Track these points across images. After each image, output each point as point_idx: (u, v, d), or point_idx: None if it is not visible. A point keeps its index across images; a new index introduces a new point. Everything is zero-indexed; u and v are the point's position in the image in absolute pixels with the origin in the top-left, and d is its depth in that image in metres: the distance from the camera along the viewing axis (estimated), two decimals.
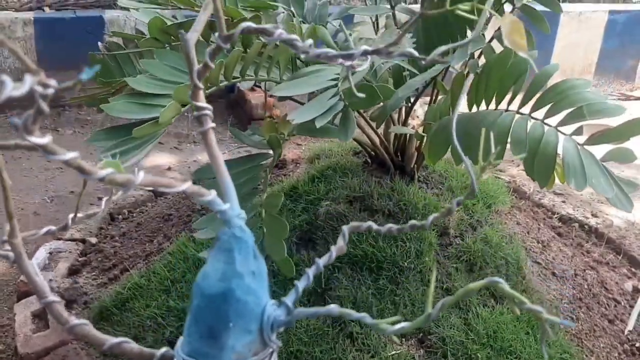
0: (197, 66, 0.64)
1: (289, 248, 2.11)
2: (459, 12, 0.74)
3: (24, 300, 2.38)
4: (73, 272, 2.54)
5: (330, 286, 2.04)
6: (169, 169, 3.81)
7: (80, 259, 2.62)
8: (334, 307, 0.55)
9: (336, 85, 1.59)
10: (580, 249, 2.79)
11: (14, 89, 0.41)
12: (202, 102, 0.64)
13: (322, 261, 0.62)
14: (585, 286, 2.41)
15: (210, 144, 0.63)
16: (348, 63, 0.61)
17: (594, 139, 1.52)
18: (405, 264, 2.06)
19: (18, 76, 4.58)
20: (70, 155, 0.48)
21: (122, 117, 1.61)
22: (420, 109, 2.54)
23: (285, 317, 0.56)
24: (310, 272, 0.60)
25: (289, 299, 0.57)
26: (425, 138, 1.96)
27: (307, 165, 2.59)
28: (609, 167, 1.53)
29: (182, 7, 2.06)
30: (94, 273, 2.51)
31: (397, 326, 0.53)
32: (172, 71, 1.67)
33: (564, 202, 3.39)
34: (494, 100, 1.68)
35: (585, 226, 3.09)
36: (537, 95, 1.62)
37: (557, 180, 2.24)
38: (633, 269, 2.78)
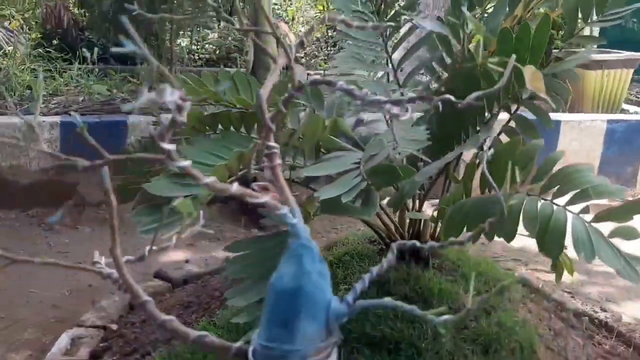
0: (268, 114, 0.77)
1: None
2: (472, 103, 0.89)
3: None
4: (95, 356, 2.60)
5: None
6: (187, 261, 3.91)
7: (101, 345, 2.68)
8: (388, 300, 0.66)
9: (358, 167, 1.73)
10: (591, 340, 2.85)
11: (170, 95, 0.54)
12: (272, 142, 0.77)
13: (375, 270, 0.73)
14: None
15: (278, 176, 0.75)
16: (396, 109, 0.74)
17: (600, 217, 1.64)
18: (423, 345, 2.12)
19: (43, 176, 4.78)
20: (185, 163, 0.60)
21: (163, 194, 1.74)
22: (428, 209, 2.67)
23: (346, 309, 0.66)
24: (366, 278, 0.71)
25: (349, 297, 0.67)
26: (440, 224, 2.08)
27: (325, 252, 2.70)
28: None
29: (238, 106, 2.20)
30: (115, 357, 2.57)
31: (443, 317, 0.64)
32: (208, 155, 1.81)
33: (572, 297, 3.48)
34: (506, 184, 1.81)
35: (595, 320, 3.15)
36: (545, 179, 1.75)
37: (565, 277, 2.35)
38: None
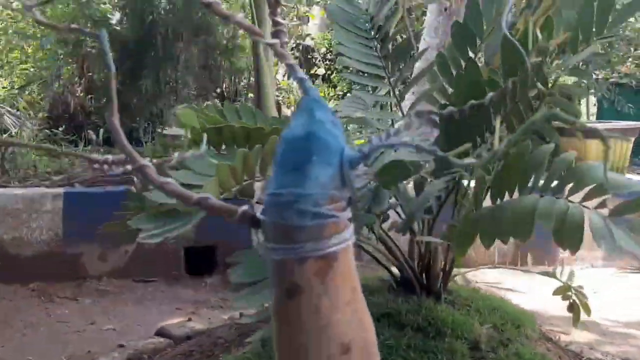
0: None
1: None
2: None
3: None
4: None
5: None
6: (190, 319, 3.80)
7: None
8: (410, 139, 0.61)
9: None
10: None
11: None
12: (279, 18, 0.73)
13: (393, 130, 0.68)
14: None
15: (284, 55, 0.71)
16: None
17: (618, 211, 1.59)
18: None
19: (45, 247, 4.72)
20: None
21: (164, 202, 1.69)
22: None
23: (361, 155, 0.61)
24: (384, 135, 0.65)
25: (363, 147, 0.62)
26: (450, 251, 2.02)
27: None
28: None
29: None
30: None
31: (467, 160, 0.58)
32: (210, 169, 1.77)
33: (591, 349, 3.36)
34: (517, 189, 1.77)
35: None
36: (558, 177, 1.71)
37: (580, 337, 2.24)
38: None
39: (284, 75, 10.71)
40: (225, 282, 5.03)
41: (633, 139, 6.84)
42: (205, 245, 4.95)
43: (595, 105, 9.67)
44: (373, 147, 0.63)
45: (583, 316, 4.26)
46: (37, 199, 4.80)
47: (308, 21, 12.27)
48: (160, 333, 3.32)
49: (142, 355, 3.01)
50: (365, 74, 2.51)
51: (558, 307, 2.95)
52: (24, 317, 4.25)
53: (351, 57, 2.52)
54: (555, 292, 2.66)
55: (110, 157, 0.72)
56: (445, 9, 5.24)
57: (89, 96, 8.29)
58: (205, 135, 1.60)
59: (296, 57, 10.73)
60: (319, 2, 12.16)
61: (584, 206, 1.62)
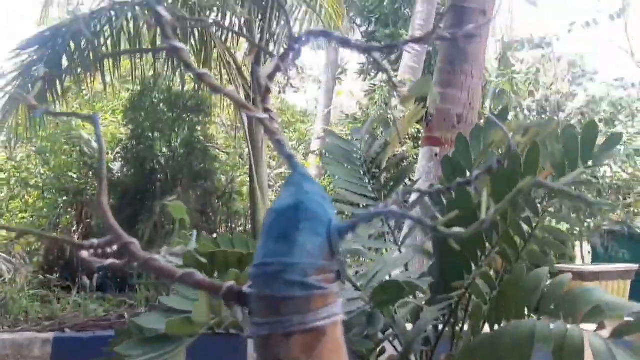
0: (266, 79, 0.77)
1: None
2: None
3: None
4: None
5: None
6: None
7: None
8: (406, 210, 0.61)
9: (359, 292, 1.67)
10: None
11: None
12: (269, 105, 0.76)
13: (382, 205, 0.68)
14: None
15: (272, 127, 0.73)
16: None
17: (618, 332, 1.55)
18: None
19: None
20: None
21: (153, 327, 1.66)
22: None
23: (350, 224, 0.61)
24: (374, 209, 0.66)
25: (353, 218, 0.62)
26: None
27: None
28: None
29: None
30: None
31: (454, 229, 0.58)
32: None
33: None
34: (514, 315, 1.74)
35: None
36: (555, 302, 1.68)
37: None
38: None
39: None
40: None
41: (629, 281, 6.87)
42: None
43: (589, 252, 9.74)
44: (361, 216, 0.63)
45: None
46: (25, 344, 4.67)
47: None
48: None
49: None
50: (360, 205, 2.55)
51: None
52: None
53: (346, 189, 2.57)
54: None
55: (95, 241, 0.72)
56: (436, 154, 5.40)
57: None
58: (195, 232, 1.59)
59: None
60: (315, 151, 12.54)
61: (582, 329, 1.58)
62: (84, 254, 0.75)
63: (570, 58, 15.54)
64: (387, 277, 1.67)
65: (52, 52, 7.49)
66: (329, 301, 0.64)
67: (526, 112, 12.18)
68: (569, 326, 1.59)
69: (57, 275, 7.55)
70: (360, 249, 2.34)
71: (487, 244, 1.88)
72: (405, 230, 2.56)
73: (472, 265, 1.90)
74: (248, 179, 7.33)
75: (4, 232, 9.14)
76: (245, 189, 8.53)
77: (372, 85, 13.63)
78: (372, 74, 15.15)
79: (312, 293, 0.61)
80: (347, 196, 2.53)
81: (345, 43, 0.75)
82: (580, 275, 6.64)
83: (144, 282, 6.04)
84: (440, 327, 2.08)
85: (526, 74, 14.64)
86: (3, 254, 7.64)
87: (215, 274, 1.98)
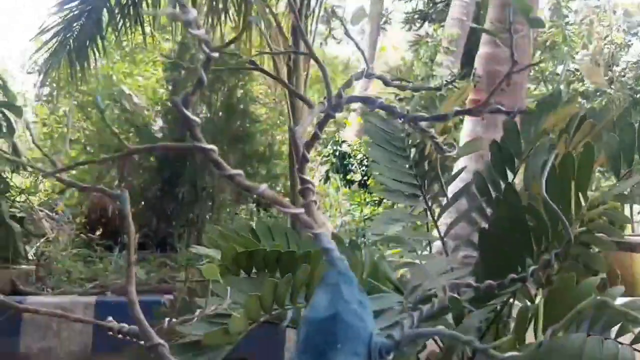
0: (303, 141, 0.71)
1: None
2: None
3: None
4: None
5: None
6: None
7: None
8: (443, 328, 0.54)
9: (401, 306, 1.61)
10: None
11: None
12: (307, 176, 0.70)
13: (425, 308, 0.61)
14: None
15: (313, 212, 0.67)
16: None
17: None
18: None
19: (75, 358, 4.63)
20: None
21: (194, 333, 1.64)
22: None
23: (393, 343, 0.54)
24: (415, 315, 0.59)
25: (395, 333, 0.56)
26: None
27: None
28: None
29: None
30: None
31: (508, 354, 0.52)
32: (242, 295, 1.72)
33: None
34: (563, 327, 1.66)
35: None
36: (605, 317, 1.60)
37: None
38: None
39: (320, 180, 10.80)
40: None
41: None
42: (238, 358, 4.80)
43: None
44: (405, 336, 0.57)
45: None
46: (68, 308, 4.76)
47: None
48: None
49: None
50: (400, 192, 2.47)
51: None
52: None
53: (386, 175, 2.49)
54: None
55: (125, 326, 0.67)
56: (483, 118, 5.25)
57: None
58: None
59: (333, 163, 10.84)
60: (355, 110, 12.40)
61: (634, 349, 1.50)
62: None
63: (626, 8, 14.95)
64: (430, 288, 1.61)
65: (92, 7, 7.49)
66: None
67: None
68: (619, 346, 1.51)
69: (99, 234, 7.68)
70: (401, 236, 2.28)
71: (538, 245, 1.80)
72: (448, 218, 2.48)
73: (521, 266, 1.82)
74: (288, 139, 7.28)
75: (47, 188, 9.32)
76: (285, 148, 8.49)
77: (417, 36, 13.30)
78: (418, 24, 14.78)
79: None
80: (387, 183, 2.45)
81: (389, 110, 0.67)
82: (631, 248, 6.41)
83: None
84: (484, 327, 2.02)
85: (579, 25, 14.16)
86: (47, 211, 7.78)
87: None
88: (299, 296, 1.72)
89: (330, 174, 10.56)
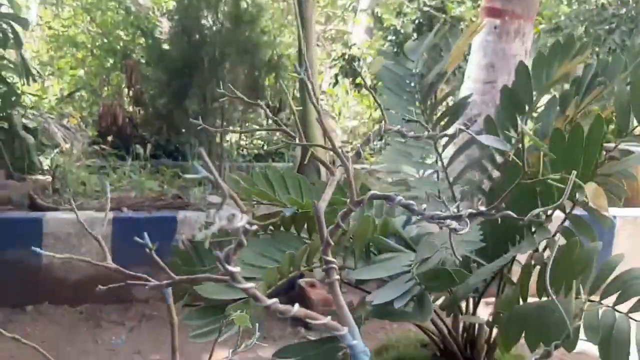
0: (326, 229, 0.76)
1: None
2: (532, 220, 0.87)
3: None
4: None
5: None
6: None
7: None
8: None
9: (410, 271, 1.69)
10: None
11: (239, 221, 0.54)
12: (330, 257, 0.76)
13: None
14: None
15: (337, 293, 0.74)
16: (454, 225, 0.72)
17: None
18: None
19: (93, 271, 4.84)
20: (247, 285, 0.59)
21: (213, 297, 1.73)
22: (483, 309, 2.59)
23: None
24: None
25: None
26: (495, 328, 2.02)
27: (375, 357, 2.62)
28: None
29: (261, 201, 2.26)
30: None
31: None
32: (259, 257, 1.81)
33: None
34: (562, 289, 1.75)
35: None
36: (605, 284, 1.69)
37: None
38: None
39: (329, 84, 10.75)
40: (274, 316, 5.08)
41: None
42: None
43: None
44: None
45: None
46: (87, 223, 4.90)
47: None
48: None
49: None
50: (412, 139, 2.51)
51: None
52: (73, 343, 4.37)
53: (398, 121, 2.52)
54: None
55: None
56: (495, 27, 5.16)
57: (137, 108, 8.45)
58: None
59: (341, 67, 10.74)
60: (366, 9, 12.13)
61: (630, 318, 1.60)
62: None
63: None
64: (439, 258, 1.68)
65: None
66: None
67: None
68: (617, 314, 1.60)
69: (111, 142, 7.77)
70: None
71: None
72: (456, 164, 2.53)
73: (525, 230, 1.89)
74: (297, 52, 7.21)
75: (56, 92, 9.35)
76: (292, 50, 8.43)
77: None
78: None
79: None
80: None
81: (408, 208, 0.72)
82: None
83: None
84: (489, 278, 2.12)
85: None
86: (58, 120, 7.84)
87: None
88: (313, 259, 1.81)
89: (339, 78, 10.48)
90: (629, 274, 1.68)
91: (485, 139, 0.97)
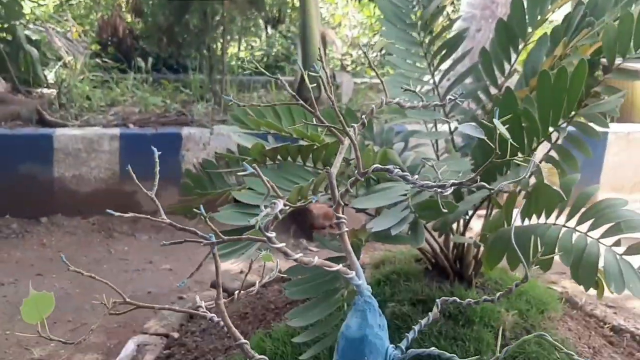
0: (337, 191, 0.94)
1: None
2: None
3: None
4: None
5: None
6: (241, 272, 4.11)
7: (164, 352, 2.89)
8: (433, 349, 0.82)
9: (406, 200, 1.89)
10: (631, 357, 2.94)
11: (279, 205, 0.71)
12: (342, 214, 0.94)
13: (424, 321, 0.89)
14: None
15: (346, 241, 0.92)
16: (440, 191, 0.90)
17: (632, 250, 1.77)
18: None
19: (103, 185, 5.05)
20: (285, 249, 0.77)
21: (229, 223, 1.93)
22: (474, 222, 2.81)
23: (401, 355, 0.83)
24: (417, 327, 0.87)
25: (402, 344, 0.84)
26: (482, 247, 2.24)
27: (372, 270, 2.86)
28: None
29: (271, 131, 2.43)
30: None
31: None
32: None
33: (615, 313, 3.53)
34: (543, 214, 1.95)
35: (637, 337, 3.20)
36: (580, 212, 1.88)
37: (607, 293, 2.45)
38: None
39: None
40: (277, 229, 5.33)
41: None
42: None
43: None
44: (409, 343, 0.84)
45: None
46: (95, 139, 5.11)
47: None
48: (214, 285, 3.64)
49: (199, 308, 3.35)
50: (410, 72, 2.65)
51: None
52: (87, 252, 4.64)
53: (398, 55, 2.65)
54: None
55: None
56: None
57: (137, 19, 8.44)
58: None
59: None
60: None
61: (600, 243, 1.80)
62: None
63: None
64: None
65: None
66: None
67: None
68: (589, 239, 1.80)
69: (112, 54, 7.83)
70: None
71: (530, 141, 2.04)
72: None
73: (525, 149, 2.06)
74: None
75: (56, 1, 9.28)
76: None
77: None
78: None
79: None
80: (398, 63, 2.62)
81: (404, 179, 0.88)
82: (633, 74, 6.61)
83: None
84: (478, 202, 2.32)
85: None
86: (59, 30, 7.85)
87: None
88: (318, 189, 2.00)
89: None
90: (602, 203, 1.87)
91: (464, 127, 1.11)
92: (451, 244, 2.55)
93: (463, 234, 2.49)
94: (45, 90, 6.56)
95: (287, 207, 1.92)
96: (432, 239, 2.52)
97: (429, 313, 0.93)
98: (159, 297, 3.86)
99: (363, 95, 7.06)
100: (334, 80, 7.03)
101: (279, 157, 2.16)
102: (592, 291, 3.80)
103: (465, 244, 2.53)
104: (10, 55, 6.54)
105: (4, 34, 6.60)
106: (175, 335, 3.05)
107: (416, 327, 0.88)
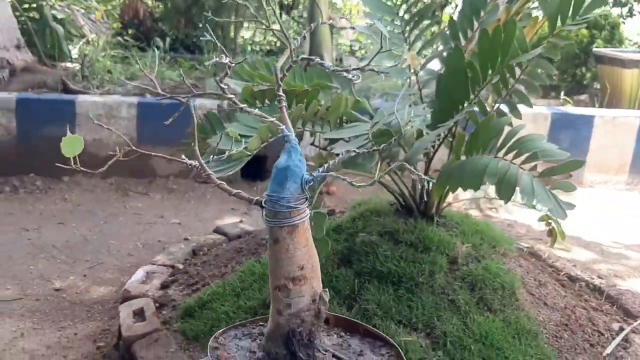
0: (280, 75, 1.36)
1: (332, 267, 2.79)
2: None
3: (126, 303, 3.09)
4: (165, 286, 3.26)
5: (361, 293, 2.68)
6: (241, 221, 4.54)
7: (170, 278, 3.34)
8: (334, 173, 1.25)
9: (367, 133, 2.31)
10: (579, 298, 3.31)
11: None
12: (281, 92, 1.35)
13: (332, 161, 1.31)
14: (573, 317, 2.95)
15: (284, 112, 1.34)
16: (349, 76, 1.31)
17: (545, 173, 2.17)
18: (420, 279, 2.68)
19: (119, 150, 5.49)
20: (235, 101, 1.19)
21: (222, 148, 2.36)
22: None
23: (312, 177, 1.25)
24: (331, 162, 1.29)
25: (315, 172, 1.26)
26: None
27: (350, 211, 3.28)
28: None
29: (262, 83, 2.85)
30: (180, 287, 3.22)
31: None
32: (256, 121, 2.42)
33: (575, 266, 3.89)
34: (481, 150, 2.36)
35: (591, 285, 3.55)
36: (508, 145, 2.30)
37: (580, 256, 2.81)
38: (625, 318, 3.25)
39: None
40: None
41: None
42: (258, 155, 5.63)
43: None
44: (317, 175, 1.26)
45: (587, 236, 4.87)
46: (115, 106, 5.57)
47: None
48: (217, 231, 4.10)
49: (203, 247, 3.80)
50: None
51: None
52: (105, 207, 5.10)
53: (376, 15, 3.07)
54: (540, 219, 3.27)
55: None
56: None
57: (157, 2, 8.91)
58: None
59: None
60: None
61: (521, 168, 2.20)
62: None
63: None
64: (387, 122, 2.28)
65: None
66: (301, 212, 1.31)
67: None
68: (511, 166, 2.21)
69: (132, 34, 8.29)
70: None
71: (474, 89, 2.45)
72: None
73: (460, 107, 2.48)
74: None
75: None
76: None
77: None
78: None
79: (293, 209, 1.28)
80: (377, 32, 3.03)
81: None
82: (621, 62, 6.98)
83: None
84: (437, 143, 2.74)
85: None
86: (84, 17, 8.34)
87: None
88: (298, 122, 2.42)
89: None
90: (525, 137, 2.29)
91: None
92: (419, 187, 2.95)
93: (425, 173, 2.90)
94: (69, 64, 7.05)
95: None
96: (403, 184, 2.93)
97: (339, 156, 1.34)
98: (168, 245, 4.30)
99: (369, 77, 7.46)
100: (341, 63, 7.44)
101: (266, 100, 2.58)
102: (566, 255, 4.18)
103: (430, 187, 2.93)
104: (37, 32, 7.04)
105: (32, 13, 7.08)
106: (180, 266, 3.50)
107: (326, 165, 1.29)
